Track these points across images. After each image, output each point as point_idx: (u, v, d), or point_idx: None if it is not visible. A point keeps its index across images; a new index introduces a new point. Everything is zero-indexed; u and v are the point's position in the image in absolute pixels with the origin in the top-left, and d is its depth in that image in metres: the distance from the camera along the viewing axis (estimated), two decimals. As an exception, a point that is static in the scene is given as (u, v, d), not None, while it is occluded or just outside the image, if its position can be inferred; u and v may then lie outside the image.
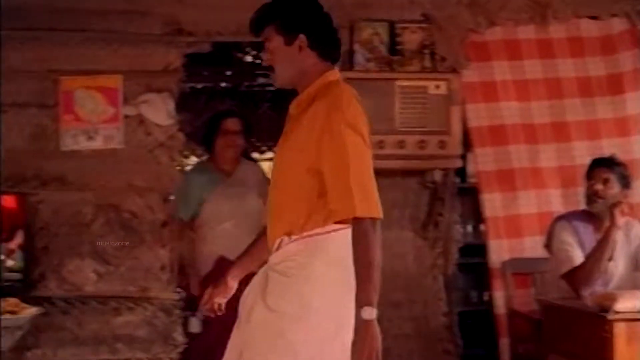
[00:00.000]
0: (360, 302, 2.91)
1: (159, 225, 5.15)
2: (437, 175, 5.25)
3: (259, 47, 7.26)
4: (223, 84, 7.93)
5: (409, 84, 5.20)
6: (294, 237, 3.12)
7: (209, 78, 7.61)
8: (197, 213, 5.25)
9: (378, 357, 2.90)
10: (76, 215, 5.09)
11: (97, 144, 5.11)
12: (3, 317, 4.37)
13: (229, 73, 7.72)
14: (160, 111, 5.16)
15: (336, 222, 3.10)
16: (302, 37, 3.20)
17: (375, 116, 4.92)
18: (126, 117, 5.15)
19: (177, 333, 5.06)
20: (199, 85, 7.64)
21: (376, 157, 4.78)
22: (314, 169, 3.08)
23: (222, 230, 5.17)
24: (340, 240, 3.08)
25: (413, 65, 5.28)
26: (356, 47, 5.29)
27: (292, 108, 3.25)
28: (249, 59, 7.64)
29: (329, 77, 3.21)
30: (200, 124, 7.59)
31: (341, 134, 3.04)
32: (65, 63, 5.15)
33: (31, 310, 4.56)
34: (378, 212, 3.02)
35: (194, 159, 7.98)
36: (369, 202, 3.02)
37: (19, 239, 5.72)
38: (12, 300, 4.57)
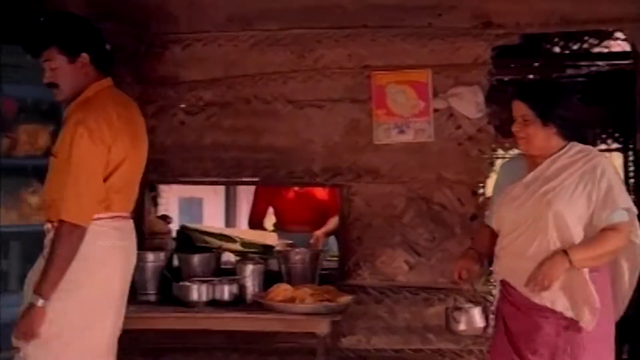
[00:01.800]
0: (35, 289, 3.56)
1: (468, 218, 5.17)
2: None
3: (568, 37, 7.14)
4: (530, 76, 7.81)
5: None
6: (56, 224, 3.65)
7: (516, 70, 7.51)
8: None
9: (32, 336, 3.56)
10: (388, 207, 5.20)
11: (409, 137, 5.19)
12: (321, 304, 4.58)
13: (536, 64, 7.59)
14: (469, 104, 5.18)
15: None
16: (84, 55, 3.75)
17: None
18: (436, 110, 5.20)
19: (489, 326, 5.03)
20: (506, 78, 7.56)
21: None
22: (63, 169, 3.62)
23: (507, 244, 3.86)
24: (93, 230, 3.67)
25: None
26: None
27: (66, 113, 3.79)
28: (557, 49, 7.49)
29: (97, 87, 3.79)
30: (507, 116, 7.52)
31: (73, 142, 3.60)
32: (376, 59, 5.29)
33: (346, 298, 4.73)
34: (80, 220, 3.60)
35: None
36: (76, 208, 3.59)
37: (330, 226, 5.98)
38: (329, 288, 4.77)
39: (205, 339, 5.24)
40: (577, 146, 3.81)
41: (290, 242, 5.66)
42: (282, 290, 4.73)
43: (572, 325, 3.69)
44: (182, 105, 5.39)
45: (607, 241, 3.69)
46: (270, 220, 6.53)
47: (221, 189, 8.05)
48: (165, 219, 5.50)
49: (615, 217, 3.70)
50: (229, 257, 5.38)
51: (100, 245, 3.76)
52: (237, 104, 5.35)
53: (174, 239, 5.43)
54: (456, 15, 5.23)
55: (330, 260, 5.45)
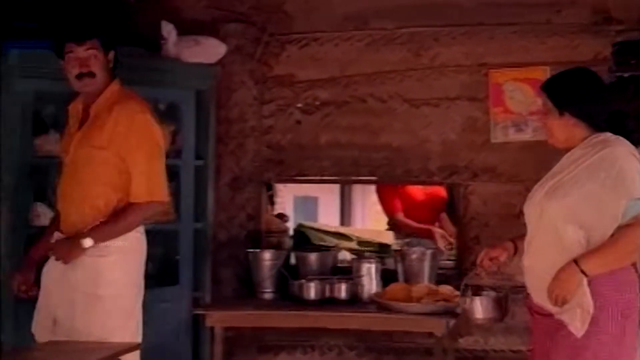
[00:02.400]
0: (89, 233, 3.79)
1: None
2: None
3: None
4: (649, 73, 7.61)
5: None
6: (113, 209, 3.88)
7: (636, 67, 7.32)
8: None
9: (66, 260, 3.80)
10: (506, 207, 5.11)
11: (526, 135, 5.12)
12: (438, 303, 4.55)
13: (658, 61, 7.38)
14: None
15: None
16: (112, 52, 3.99)
17: None
18: (554, 108, 5.12)
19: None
20: (626, 75, 7.38)
21: None
22: (117, 163, 3.83)
23: (524, 243, 3.59)
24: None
25: None
26: None
27: (97, 106, 3.91)
28: (680, 44, 7.28)
29: (117, 85, 3.98)
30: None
31: (151, 128, 3.89)
32: (494, 56, 5.23)
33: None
34: (165, 197, 3.97)
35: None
36: (163, 188, 3.93)
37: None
38: (446, 288, 4.74)
39: (322, 337, 5.28)
40: (599, 137, 3.39)
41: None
42: (398, 289, 4.73)
43: (565, 329, 3.30)
44: (299, 105, 5.43)
45: (622, 240, 3.25)
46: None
47: (337, 187, 8.06)
48: (282, 217, 5.55)
49: (635, 209, 3.25)
50: (345, 256, 5.40)
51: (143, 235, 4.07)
52: (354, 103, 5.36)
53: (291, 237, 5.48)
54: (575, 11, 5.14)
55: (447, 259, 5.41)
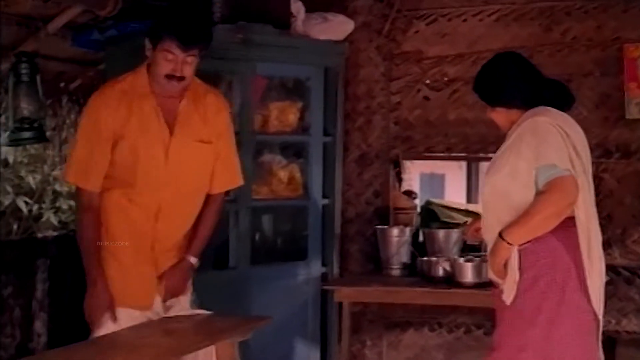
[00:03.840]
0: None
1: None
2: None
3: None
4: None
5: None
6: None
7: None
8: None
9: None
10: (640, 185, 5.04)
11: (663, 112, 4.99)
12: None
13: None
14: None
15: None
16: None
17: None
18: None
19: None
20: None
21: None
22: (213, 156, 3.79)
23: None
24: None
25: None
26: None
27: (186, 103, 3.69)
28: None
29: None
30: None
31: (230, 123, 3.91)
32: (628, 30, 5.09)
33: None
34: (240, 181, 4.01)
35: None
36: (239, 175, 3.96)
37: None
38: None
39: (449, 314, 5.27)
40: (528, 113, 3.44)
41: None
42: (528, 268, 4.66)
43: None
44: (427, 81, 5.40)
45: (537, 207, 3.25)
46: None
47: (464, 164, 7.99)
48: (410, 194, 5.52)
49: (547, 175, 3.25)
50: (474, 233, 5.35)
51: None
52: (482, 79, 5.29)
53: (419, 214, 5.46)
54: None
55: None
